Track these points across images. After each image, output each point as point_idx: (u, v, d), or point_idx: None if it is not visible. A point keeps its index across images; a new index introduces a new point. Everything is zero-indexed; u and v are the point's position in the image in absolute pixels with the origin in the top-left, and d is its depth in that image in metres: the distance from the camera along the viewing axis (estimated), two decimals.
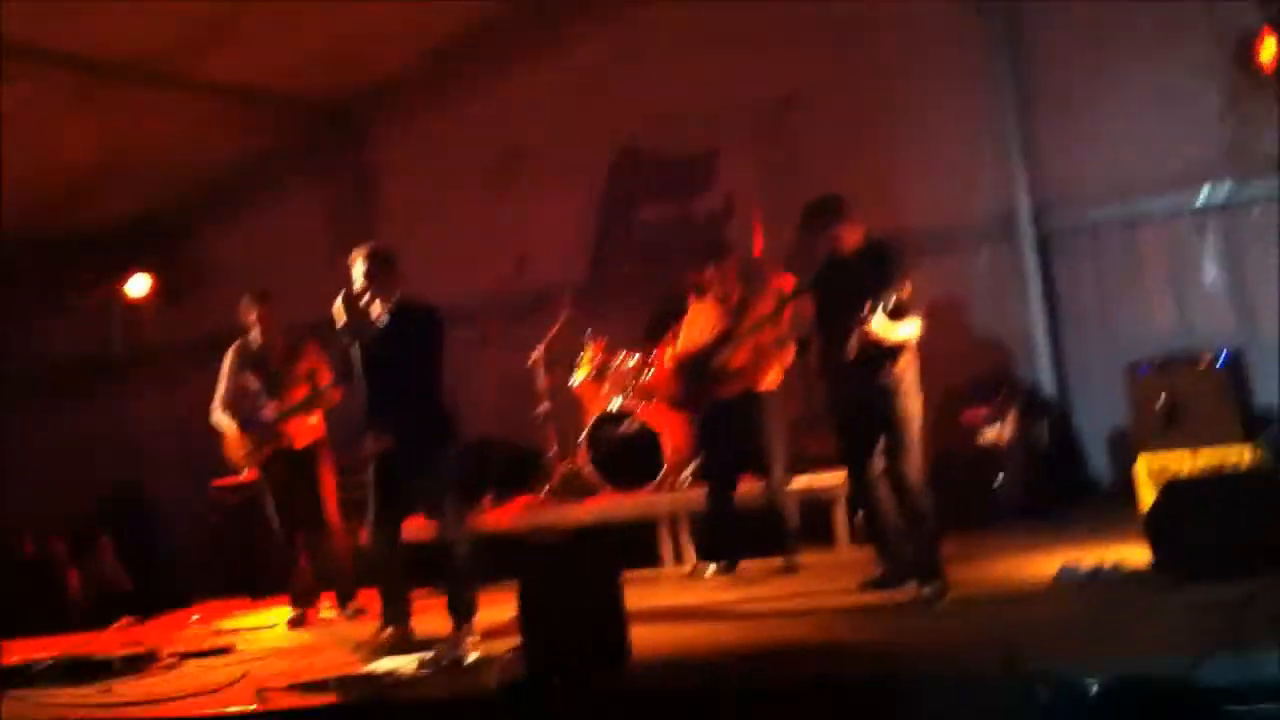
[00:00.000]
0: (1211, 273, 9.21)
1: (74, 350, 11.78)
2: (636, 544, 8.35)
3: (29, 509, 10.68)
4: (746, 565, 7.86)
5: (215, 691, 6.31)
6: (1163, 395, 7.70)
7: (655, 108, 10.36)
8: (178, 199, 11.29)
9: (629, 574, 6.68)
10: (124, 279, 10.97)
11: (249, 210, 11.50)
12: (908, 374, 6.45)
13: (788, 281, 7.87)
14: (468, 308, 9.88)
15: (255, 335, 8.24)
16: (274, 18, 9.03)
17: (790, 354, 7.89)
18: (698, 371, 8.00)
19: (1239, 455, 7.26)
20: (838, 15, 9.81)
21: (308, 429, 8.20)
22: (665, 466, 8.70)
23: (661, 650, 6.00)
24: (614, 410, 8.90)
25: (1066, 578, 6.38)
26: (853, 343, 6.26)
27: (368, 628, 7.14)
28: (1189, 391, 7.70)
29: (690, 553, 8.38)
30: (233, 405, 8.21)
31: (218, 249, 11.50)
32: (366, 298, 6.79)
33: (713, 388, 7.95)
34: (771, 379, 7.87)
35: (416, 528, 7.24)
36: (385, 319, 6.82)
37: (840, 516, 8.18)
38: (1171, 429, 7.65)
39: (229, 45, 9.22)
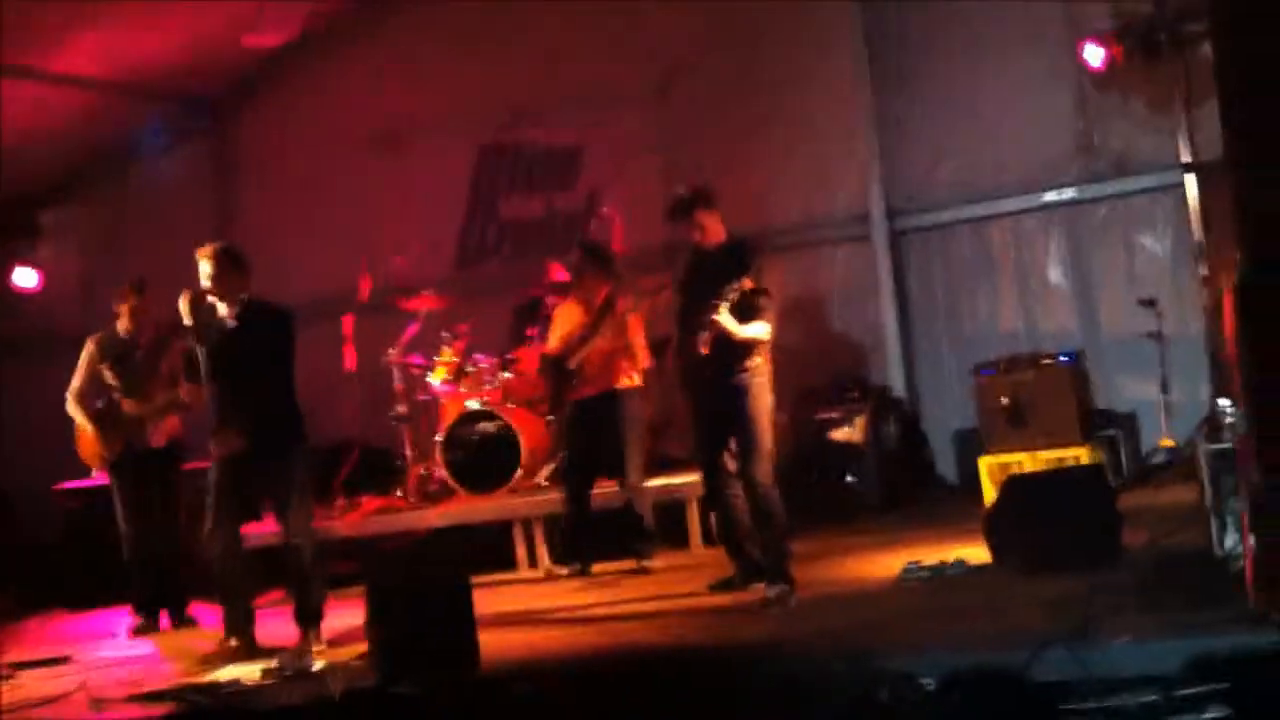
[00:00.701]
0: (1056, 272, 9.45)
1: None
2: (491, 547, 8.30)
3: None
4: (600, 567, 7.86)
5: (51, 702, 6.11)
6: (1006, 395, 7.88)
7: (521, 98, 10.31)
8: (37, 188, 10.92)
9: (483, 578, 6.68)
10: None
11: (107, 201, 11.19)
12: (759, 375, 6.50)
13: (650, 281, 7.90)
14: (325, 304, 9.73)
15: (123, 326, 7.95)
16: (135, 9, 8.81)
17: (646, 354, 7.90)
18: (558, 370, 7.98)
19: (1078, 454, 7.46)
20: (708, 9, 9.88)
21: (165, 428, 7.97)
22: (520, 468, 8.64)
23: (512, 655, 5.97)
24: (470, 411, 8.81)
25: (910, 575, 6.50)
26: (702, 336, 6.28)
27: (211, 636, 6.96)
28: (1032, 391, 7.90)
29: (544, 556, 8.34)
30: (86, 398, 7.94)
31: (72, 241, 11.17)
32: (212, 297, 6.63)
33: (572, 387, 7.94)
34: (629, 379, 7.88)
35: (263, 531, 7.09)
36: (233, 319, 6.66)
37: (694, 517, 8.21)
38: (1015, 428, 7.86)
39: (88, 36, 8.95)
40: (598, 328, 7.86)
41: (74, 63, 9.50)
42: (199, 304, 6.59)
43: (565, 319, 8.10)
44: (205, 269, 6.63)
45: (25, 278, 10.75)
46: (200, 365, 6.64)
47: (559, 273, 8.78)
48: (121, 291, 7.93)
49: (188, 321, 6.58)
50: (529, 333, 8.99)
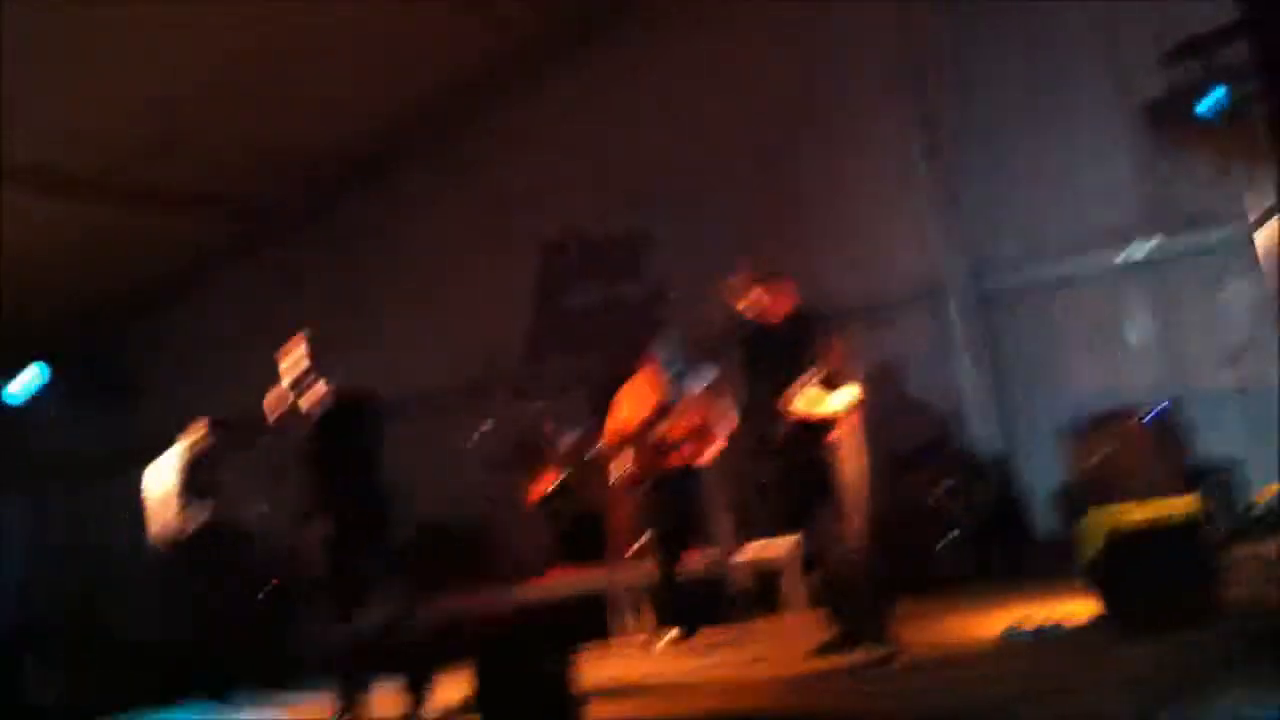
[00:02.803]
0: (1140, 328, 9.41)
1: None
2: (593, 617, 8.33)
3: None
4: (701, 634, 7.85)
5: None
6: (1098, 453, 7.83)
7: (584, 193, 10.51)
8: (109, 305, 11.23)
9: (585, 647, 6.70)
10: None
11: (184, 314, 11.50)
12: (848, 440, 6.52)
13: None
14: (411, 398, 9.88)
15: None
16: (204, 126, 9.10)
17: (731, 425, 7.95)
18: (635, 447, 8.05)
19: (1178, 507, 7.37)
20: (765, 92, 10.04)
21: None
22: (612, 541, 8.70)
23: None
24: (561, 489, 8.91)
25: (1013, 637, 6.45)
26: (779, 427, 6.31)
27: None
28: (1125, 448, 7.84)
29: (646, 623, 8.36)
30: None
31: (157, 354, 11.47)
32: (300, 390, 6.75)
33: (653, 462, 8.00)
34: (711, 451, 7.94)
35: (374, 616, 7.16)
36: (321, 411, 6.77)
37: (790, 583, 8.20)
38: (1111, 485, 7.76)
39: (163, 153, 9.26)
40: (677, 403, 7.93)
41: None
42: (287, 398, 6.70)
43: (637, 397, 8.17)
44: (290, 363, 6.75)
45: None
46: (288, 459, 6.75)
47: (629, 358, 8.85)
48: None
49: (276, 415, 6.69)
50: (609, 411, 9.07)
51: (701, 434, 7.92)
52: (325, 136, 10.29)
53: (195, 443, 8.55)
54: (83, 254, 9.92)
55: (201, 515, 8.53)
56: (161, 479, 8.65)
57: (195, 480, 8.55)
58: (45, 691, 9.55)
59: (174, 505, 8.50)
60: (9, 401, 10.71)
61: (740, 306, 6.76)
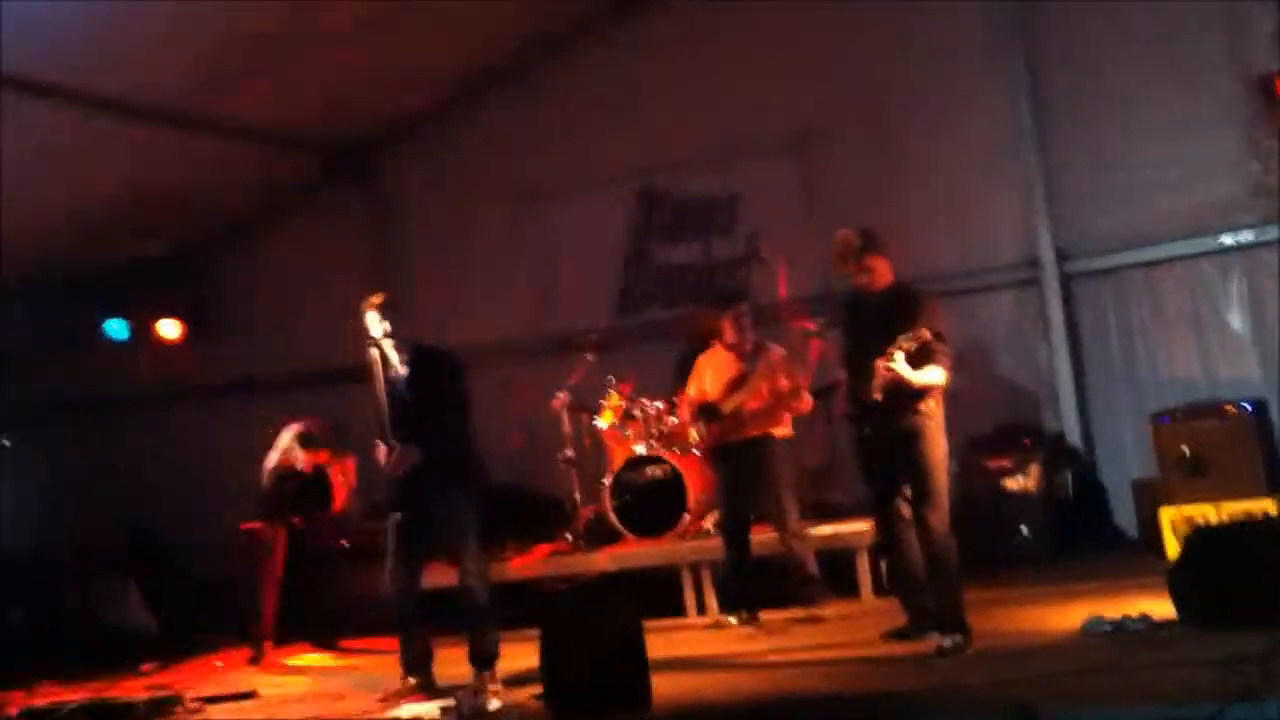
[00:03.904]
0: (1235, 317, 9.19)
1: (97, 387, 11.80)
2: (660, 593, 8.32)
3: (52, 544, 10.76)
4: (770, 616, 7.81)
5: None
6: (1186, 445, 7.67)
7: (674, 148, 10.42)
8: (196, 240, 11.39)
9: (652, 623, 6.70)
10: (153, 321, 11.04)
11: (267, 251, 11.60)
12: (932, 419, 6.42)
13: (807, 326, 7.90)
14: (489, 351, 9.92)
15: None
16: (289, 61, 9.14)
17: (806, 401, 7.87)
18: (710, 417, 8.01)
19: (1264, 506, 7.22)
20: (861, 57, 9.91)
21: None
22: (688, 513, 8.68)
23: (682, 699, 5.99)
24: (638, 456, 8.89)
25: (1092, 629, 6.34)
26: (876, 383, 6.24)
27: (391, 673, 7.11)
28: (1213, 442, 7.67)
29: (712, 602, 8.34)
30: None
31: (237, 290, 11.59)
32: (385, 345, 6.78)
33: (725, 433, 7.95)
34: (782, 426, 7.87)
35: (438, 574, 7.23)
36: (404, 365, 6.81)
37: (864, 566, 8.14)
38: (1196, 479, 7.63)
39: (245, 87, 9.32)
40: (754, 374, 7.86)
41: (246, 115, 9.86)
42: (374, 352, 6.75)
43: (717, 365, 8.12)
44: (373, 318, 6.77)
45: (170, 329, 11.07)
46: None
47: (712, 321, 8.79)
48: None
49: (377, 369, 6.73)
50: (690, 379, 9.03)
51: (776, 407, 7.85)
52: (410, 74, 10.24)
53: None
54: (170, 186, 9.99)
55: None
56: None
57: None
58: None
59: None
60: (114, 336, 10.96)
61: (841, 273, 6.68)
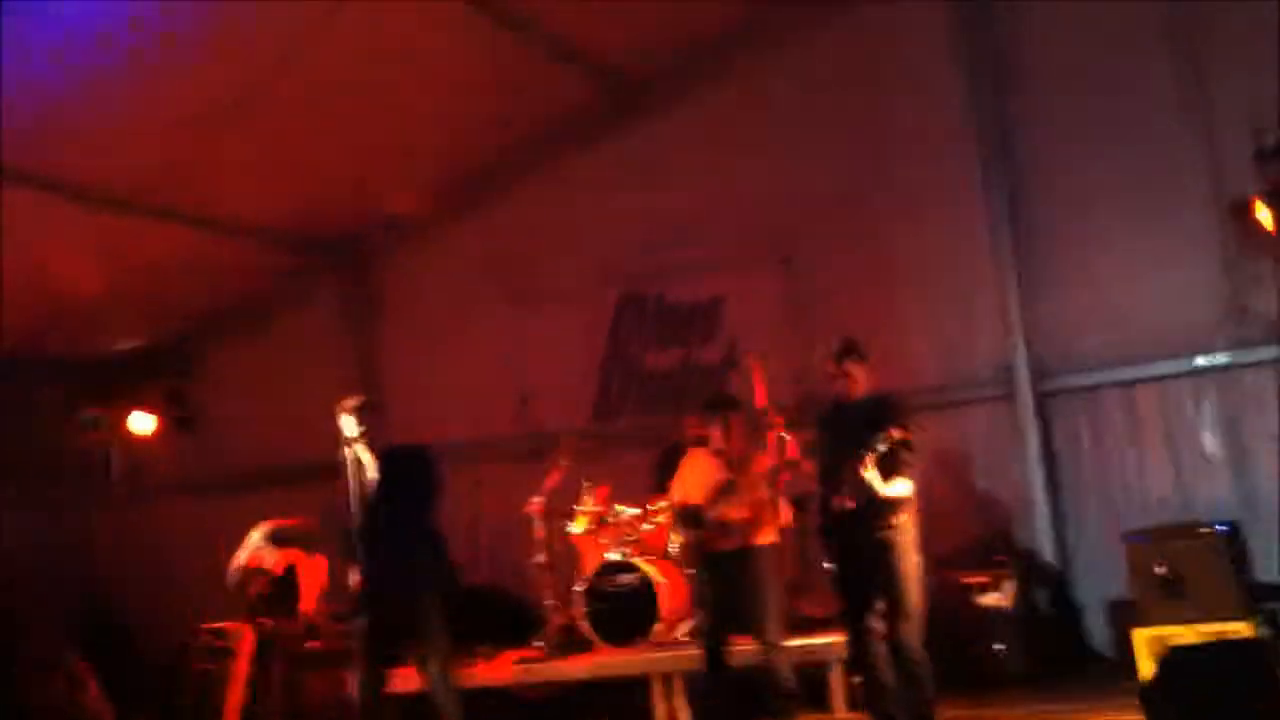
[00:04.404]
0: (1209, 438, 9.24)
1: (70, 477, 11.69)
2: (632, 702, 8.21)
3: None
4: None
5: None
6: (1160, 565, 7.66)
7: (657, 254, 10.51)
8: (179, 332, 11.40)
9: None
10: (126, 414, 10.98)
11: (250, 346, 11.59)
12: (905, 534, 6.43)
13: (791, 443, 7.91)
14: (465, 451, 9.89)
15: None
16: (278, 158, 9.22)
17: (787, 511, 7.85)
18: (693, 523, 7.95)
19: (1239, 628, 7.20)
20: (846, 171, 10.05)
21: None
22: (660, 621, 8.59)
23: None
24: (611, 562, 8.82)
25: None
26: (846, 494, 6.24)
27: None
28: (1187, 561, 7.66)
29: (684, 715, 8.22)
30: None
31: (217, 384, 11.54)
32: (359, 448, 6.76)
33: (709, 541, 7.89)
34: (767, 535, 7.82)
35: (405, 678, 7.13)
36: (376, 464, 6.78)
37: (837, 679, 8.05)
38: (1171, 599, 7.61)
39: (236, 183, 9.39)
40: (739, 481, 7.82)
41: (229, 209, 9.92)
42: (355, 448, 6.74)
43: (699, 471, 8.07)
44: (348, 420, 6.76)
45: (142, 423, 10.89)
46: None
47: (695, 426, 8.78)
48: None
49: (350, 466, 6.71)
50: (668, 485, 8.98)
51: (760, 516, 7.81)
52: (398, 175, 10.35)
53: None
54: (151, 278, 10.04)
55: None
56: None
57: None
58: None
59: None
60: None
61: (821, 381, 6.72)
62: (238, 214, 10.06)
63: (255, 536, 8.77)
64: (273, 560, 8.69)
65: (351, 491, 6.71)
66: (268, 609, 8.69)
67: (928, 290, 9.85)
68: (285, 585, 8.72)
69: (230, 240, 10.35)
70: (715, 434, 7.96)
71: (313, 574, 8.78)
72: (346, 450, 6.70)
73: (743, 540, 7.73)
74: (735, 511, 7.76)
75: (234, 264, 10.79)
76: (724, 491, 7.80)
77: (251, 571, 8.71)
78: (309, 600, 8.77)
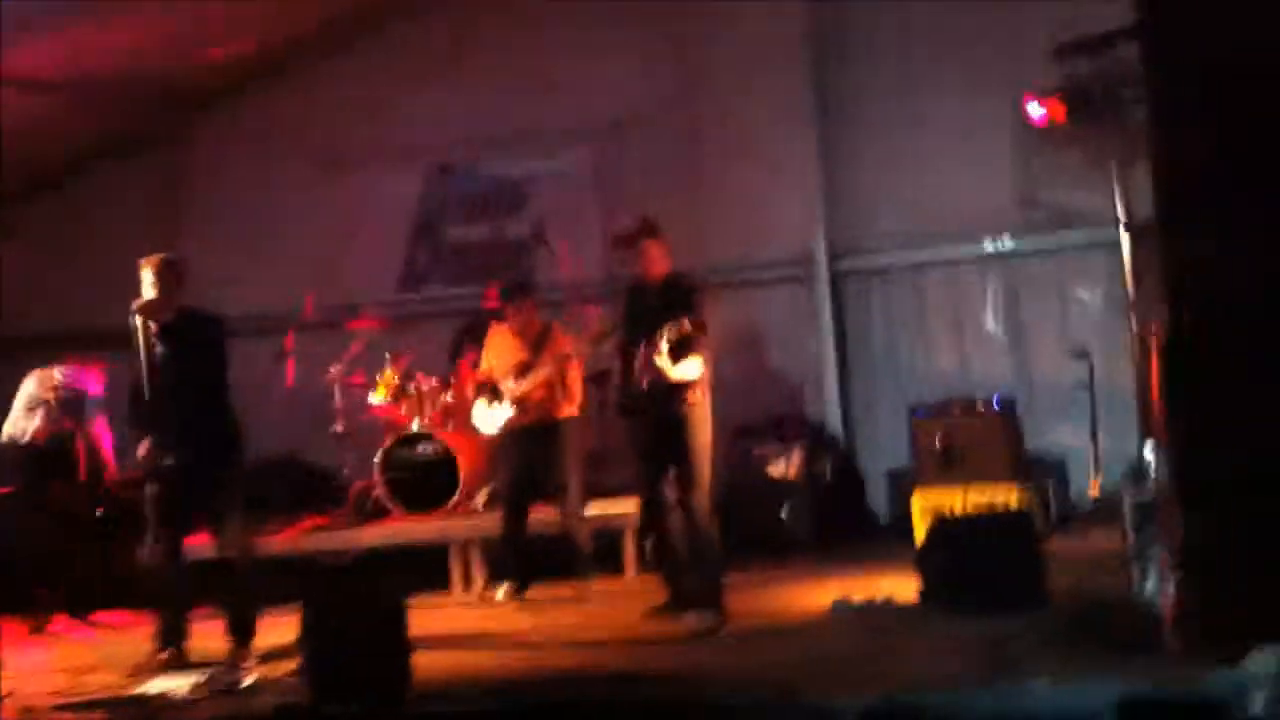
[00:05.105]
0: (993, 320, 9.66)
1: None
2: (427, 569, 8.30)
3: None
4: (536, 592, 7.89)
5: None
6: (939, 436, 8.03)
7: (474, 128, 10.39)
8: None
9: (418, 599, 6.70)
10: None
11: (59, 207, 11.10)
12: (698, 408, 6.61)
13: (592, 314, 8.01)
14: (268, 319, 9.72)
15: None
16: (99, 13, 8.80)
17: (579, 389, 7.98)
18: (494, 398, 8.03)
19: (1008, 499, 7.63)
20: (659, 49, 10.05)
21: None
22: (460, 490, 8.68)
23: (445, 677, 6.00)
24: (411, 433, 8.84)
25: (839, 611, 6.61)
26: (641, 375, 6.40)
27: (143, 646, 6.92)
28: (964, 433, 8.05)
29: (480, 578, 8.37)
30: None
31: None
32: (154, 307, 6.62)
33: (513, 416, 7.99)
34: (568, 409, 7.95)
35: (198, 544, 7.07)
36: (168, 328, 6.66)
37: (630, 545, 8.28)
38: (947, 469, 8.00)
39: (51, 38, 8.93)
40: (538, 359, 7.93)
41: (35, 64, 9.43)
42: (146, 316, 6.59)
43: (501, 348, 8.15)
44: (148, 278, 6.63)
45: None
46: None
47: (499, 303, 8.80)
48: None
49: (139, 330, 6.57)
50: (469, 356, 9.02)
51: (560, 391, 7.92)
52: (218, 39, 9.94)
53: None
54: None
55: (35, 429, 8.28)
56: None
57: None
58: None
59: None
60: None
61: (621, 261, 6.82)
62: (58, 72, 9.54)
63: (17, 405, 8.48)
64: (32, 431, 8.42)
65: (141, 359, 6.58)
66: (38, 478, 8.43)
67: (733, 169, 9.96)
68: (55, 456, 8.45)
69: (49, 97, 9.82)
70: (513, 316, 8.04)
71: (86, 440, 8.50)
72: (136, 319, 6.55)
73: (541, 415, 7.87)
74: (534, 391, 7.88)
75: (51, 123, 10.24)
76: (522, 370, 7.92)
77: (15, 441, 8.44)
78: (83, 468, 8.52)
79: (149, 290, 6.61)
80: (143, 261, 6.68)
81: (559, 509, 7.94)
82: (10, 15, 8.20)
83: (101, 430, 8.59)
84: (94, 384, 8.68)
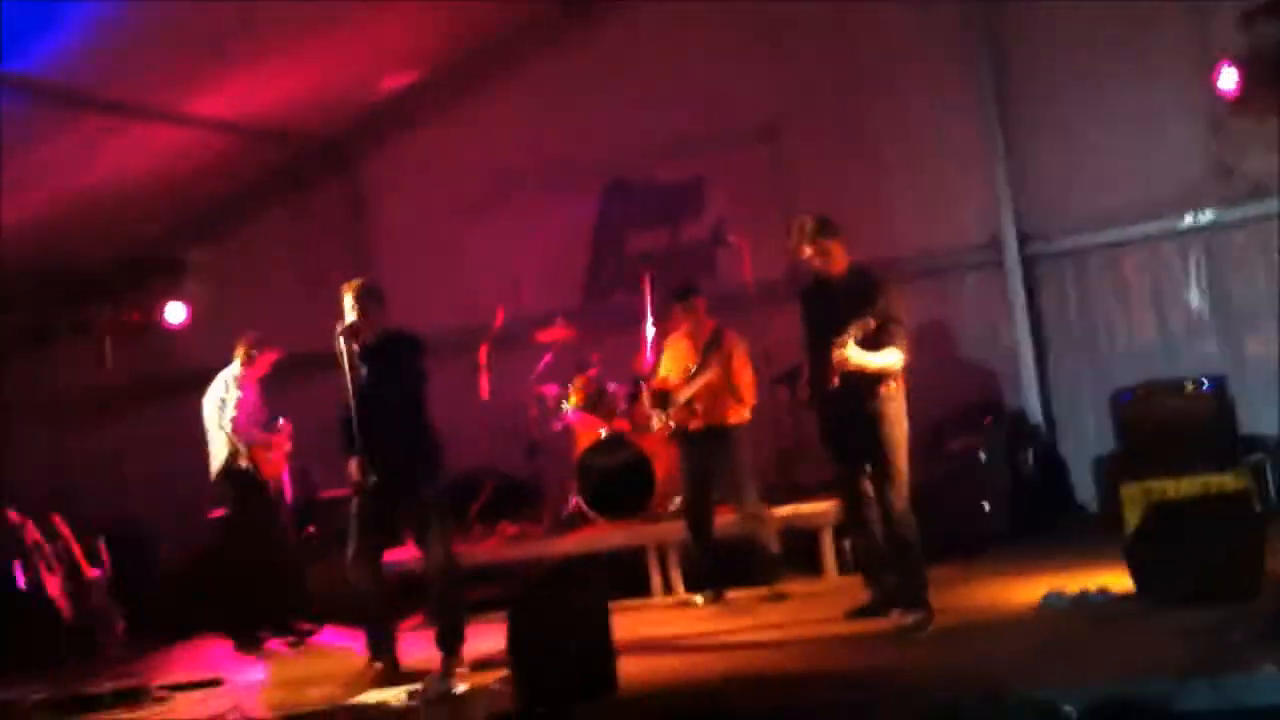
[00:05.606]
0: (1196, 296, 9.29)
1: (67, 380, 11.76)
2: (626, 574, 8.36)
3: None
4: (736, 595, 7.87)
5: None
6: (1147, 421, 7.74)
7: (643, 137, 10.44)
8: (169, 232, 11.34)
9: (618, 604, 6.75)
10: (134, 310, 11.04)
11: (237, 245, 11.53)
12: (893, 401, 6.50)
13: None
14: (460, 336, 9.93)
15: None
16: (261, 56, 9.14)
17: (752, 391, 7.92)
18: (666, 404, 8.06)
19: (1223, 481, 7.30)
20: (829, 45, 9.95)
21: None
22: (654, 495, 8.71)
23: (648, 680, 6.04)
24: (604, 439, 8.92)
25: (1051, 604, 6.42)
26: (830, 371, 6.31)
27: (356, 660, 7.13)
28: (1174, 417, 7.74)
29: (678, 582, 8.39)
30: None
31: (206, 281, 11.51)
32: (357, 330, 6.83)
33: (681, 421, 8.01)
34: (736, 413, 7.92)
35: (406, 558, 7.25)
36: (370, 349, 6.86)
37: (827, 545, 8.20)
38: (1157, 455, 7.69)
39: (222, 82, 9.31)
40: (706, 364, 7.93)
41: (212, 107, 9.83)
42: (350, 339, 6.80)
43: (674, 355, 8.19)
44: (348, 302, 6.85)
45: (175, 313, 10.97)
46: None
47: (671, 309, 8.80)
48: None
49: (342, 353, 6.78)
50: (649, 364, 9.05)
51: (729, 395, 7.90)
52: (383, 67, 10.29)
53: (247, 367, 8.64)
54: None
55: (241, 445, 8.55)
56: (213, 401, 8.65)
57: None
58: None
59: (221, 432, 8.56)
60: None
61: (801, 258, 6.74)
62: (225, 111, 9.96)
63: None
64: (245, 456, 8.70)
65: (346, 382, 6.78)
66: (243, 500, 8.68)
67: (913, 160, 9.79)
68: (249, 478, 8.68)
69: (218, 135, 10.25)
70: (683, 321, 8.06)
71: (268, 456, 8.72)
72: (340, 342, 6.76)
73: (709, 420, 7.86)
74: (703, 391, 7.89)
75: (221, 162, 10.69)
76: (691, 375, 7.93)
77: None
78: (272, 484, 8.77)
79: (350, 313, 6.82)
80: (344, 286, 6.92)
81: (737, 511, 7.92)
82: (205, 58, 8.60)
83: (281, 440, 8.82)
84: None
